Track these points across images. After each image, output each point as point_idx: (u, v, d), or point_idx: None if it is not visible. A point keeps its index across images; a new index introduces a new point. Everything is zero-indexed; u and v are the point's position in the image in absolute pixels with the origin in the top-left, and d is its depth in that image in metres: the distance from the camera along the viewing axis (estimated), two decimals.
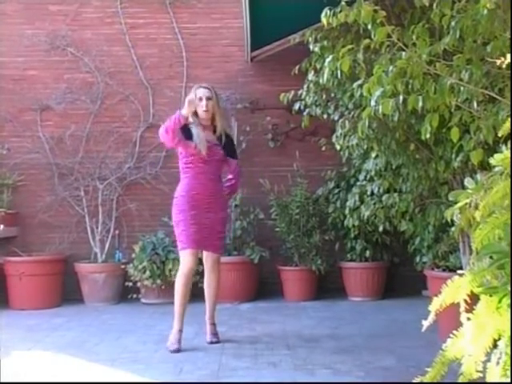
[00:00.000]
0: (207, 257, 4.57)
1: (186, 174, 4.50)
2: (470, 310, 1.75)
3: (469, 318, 1.71)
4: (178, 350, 4.29)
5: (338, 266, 6.44)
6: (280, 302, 6.20)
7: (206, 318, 4.65)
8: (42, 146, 6.70)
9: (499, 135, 2.39)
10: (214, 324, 4.65)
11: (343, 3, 3.49)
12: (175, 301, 4.47)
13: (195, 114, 4.49)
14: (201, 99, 4.50)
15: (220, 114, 4.61)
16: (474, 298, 1.78)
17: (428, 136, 3.44)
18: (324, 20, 3.54)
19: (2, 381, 3.57)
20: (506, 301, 1.71)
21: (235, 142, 5.06)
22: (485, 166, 3.08)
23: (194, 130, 4.44)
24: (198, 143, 4.40)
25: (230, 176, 4.71)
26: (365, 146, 4.35)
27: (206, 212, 4.45)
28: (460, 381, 1.67)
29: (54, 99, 6.71)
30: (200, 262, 4.68)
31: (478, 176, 2.65)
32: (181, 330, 4.43)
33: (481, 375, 1.66)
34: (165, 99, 6.80)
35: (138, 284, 6.22)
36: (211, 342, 4.51)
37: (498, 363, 1.66)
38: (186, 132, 4.41)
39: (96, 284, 6.30)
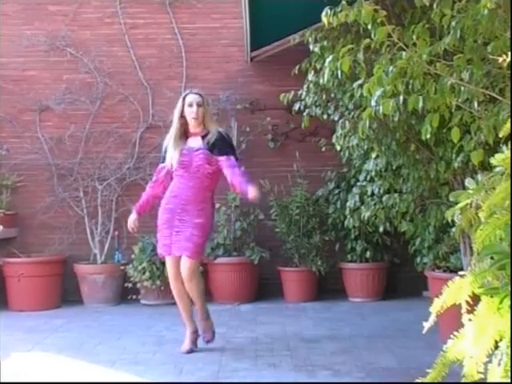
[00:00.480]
0: (182, 263, 4.30)
1: (173, 180, 4.46)
2: (471, 311, 1.74)
3: (470, 319, 1.70)
4: (191, 351, 4.28)
5: (338, 267, 6.43)
6: (280, 302, 6.18)
7: (198, 319, 4.47)
8: (42, 147, 6.69)
9: (500, 135, 2.38)
10: (206, 320, 4.47)
11: (343, 3, 3.48)
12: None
13: (184, 120, 4.44)
14: (191, 105, 4.42)
15: (210, 120, 4.52)
16: (475, 299, 1.77)
17: (428, 136, 3.43)
18: (324, 19, 3.53)
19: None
20: (507, 302, 1.70)
21: (234, 143, 4.94)
22: (485, 167, 3.07)
23: (169, 149, 4.43)
24: (170, 162, 4.40)
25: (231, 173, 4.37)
26: (365, 147, 4.35)
27: (179, 213, 4.34)
28: (462, 382, 1.66)
29: (54, 100, 6.70)
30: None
31: (479, 176, 2.64)
32: (194, 332, 4.39)
33: (482, 376, 1.65)
34: (164, 99, 6.78)
35: (138, 285, 6.20)
36: (207, 341, 4.41)
37: (499, 364, 1.65)
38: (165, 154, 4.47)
39: (95, 285, 6.28)
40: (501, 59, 2.25)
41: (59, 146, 6.72)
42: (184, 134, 4.46)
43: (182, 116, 4.45)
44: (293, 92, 4.98)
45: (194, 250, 4.31)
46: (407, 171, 4.48)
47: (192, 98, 4.45)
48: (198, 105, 4.42)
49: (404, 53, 3.29)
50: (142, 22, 6.84)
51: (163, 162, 4.49)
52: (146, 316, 5.67)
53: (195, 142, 4.44)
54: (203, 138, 4.43)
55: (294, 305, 6.10)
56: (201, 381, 3.58)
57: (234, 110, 6.69)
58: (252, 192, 4.18)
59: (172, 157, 4.39)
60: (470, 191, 2.23)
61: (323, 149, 6.13)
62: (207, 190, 4.44)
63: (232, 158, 4.41)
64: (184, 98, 4.47)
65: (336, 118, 4.69)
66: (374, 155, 4.64)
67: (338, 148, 4.55)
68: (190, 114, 4.42)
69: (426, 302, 2.31)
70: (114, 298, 6.35)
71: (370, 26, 3.37)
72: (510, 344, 1.62)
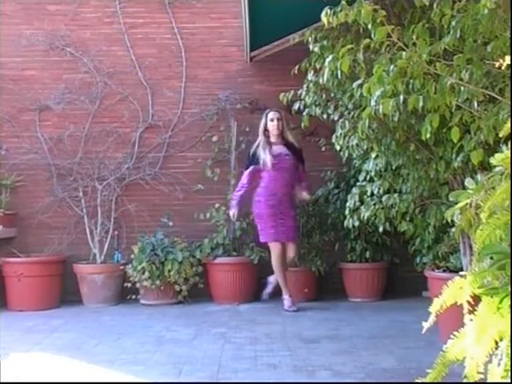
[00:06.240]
0: (290, 247, 5.88)
1: (265, 179, 5.81)
2: (472, 311, 1.73)
3: (471, 320, 1.70)
4: (292, 307, 5.73)
5: (337, 267, 6.42)
6: (279, 302, 6.16)
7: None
8: (41, 147, 6.68)
9: (500, 135, 2.38)
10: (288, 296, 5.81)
11: (343, 2, 3.48)
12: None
13: (267, 132, 5.83)
14: (272, 120, 5.81)
15: (289, 130, 5.86)
16: (475, 299, 1.77)
17: (428, 136, 3.43)
18: (324, 19, 3.52)
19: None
20: (507, 302, 1.70)
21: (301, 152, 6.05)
22: (485, 166, 3.07)
23: (261, 152, 5.78)
24: (265, 162, 5.75)
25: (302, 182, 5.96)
26: (365, 147, 4.34)
27: (279, 207, 5.75)
28: (463, 382, 1.66)
29: (53, 99, 6.69)
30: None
31: (479, 176, 2.64)
32: (290, 296, 5.81)
33: (482, 376, 1.65)
34: (164, 99, 6.78)
35: (137, 285, 6.19)
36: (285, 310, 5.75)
37: (499, 364, 1.65)
38: (255, 158, 5.82)
39: (95, 285, 6.27)
40: (497, 64, 2.24)
41: (58, 146, 6.72)
42: (268, 142, 5.83)
43: (266, 129, 5.84)
44: (292, 92, 4.98)
45: (296, 236, 5.93)
46: (407, 171, 4.48)
47: (273, 114, 5.84)
48: (278, 119, 5.81)
49: (404, 53, 3.29)
50: (142, 21, 6.83)
51: (249, 165, 5.87)
52: (146, 316, 5.66)
53: (281, 149, 5.83)
54: (285, 145, 5.83)
55: None
56: (200, 381, 3.58)
57: (234, 110, 6.69)
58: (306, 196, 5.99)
59: (265, 160, 5.75)
60: (470, 191, 2.23)
61: (323, 148, 6.13)
62: (292, 186, 5.89)
63: (305, 168, 5.99)
64: (267, 115, 5.86)
65: (336, 118, 4.68)
66: (373, 155, 4.63)
67: (338, 148, 4.55)
68: (273, 127, 5.82)
69: (425, 302, 2.31)
70: (113, 297, 6.33)
71: (369, 26, 3.37)
72: (510, 344, 1.62)
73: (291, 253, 5.86)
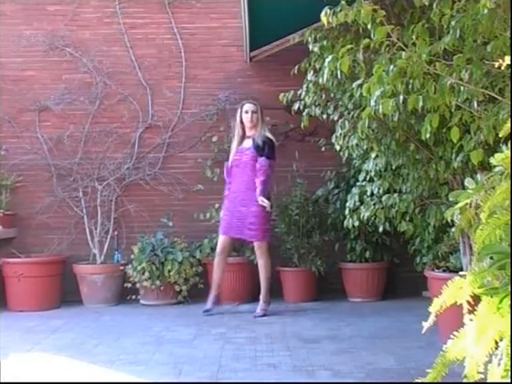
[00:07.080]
0: (255, 246, 5.64)
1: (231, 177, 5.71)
2: (472, 311, 1.73)
3: (471, 320, 1.70)
4: (210, 310, 5.57)
5: (337, 267, 6.42)
6: (279, 302, 6.17)
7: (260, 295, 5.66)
8: (41, 147, 6.68)
9: (500, 135, 2.38)
10: (264, 302, 5.61)
11: (343, 2, 3.48)
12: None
13: (242, 124, 5.65)
14: (247, 112, 5.63)
15: (261, 124, 5.63)
16: (476, 299, 1.77)
17: (428, 136, 3.43)
18: (324, 19, 3.53)
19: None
20: (507, 302, 1.70)
21: (268, 145, 5.69)
22: (485, 166, 3.07)
23: (231, 149, 5.74)
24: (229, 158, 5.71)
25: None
26: (364, 147, 4.34)
27: (238, 203, 5.56)
28: (463, 382, 1.66)
29: (53, 100, 6.69)
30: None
31: (479, 176, 2.64)
32: (215, 296, 5.70)
33: (482, 376, 1.65)
34: (164, 99, 6.78)
35: (137, 285, 6.19)
36: (254, 316, 5.48)
37: (499, 364, 1.65)
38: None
39: (95, 285, 6.27)
40: (497, 64, 2.24)
41: (58, 146, 6.72)
42: (242, 136, 5.66)
43: (242, 122, 5.65)
44: (292, 92, 4.98)
45: (258, 234, 5.55)
46: (407, 171, 4.48)
47: (248, 106, 5.66)
48: (253, 112, 5.62)
49: (403, 52, 3.29)
50: (141, 21, 6.83)
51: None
52: (146, 316, 5.67)
53: (247, 143, 5.63)
54: (254, 139, 5.58)
55: (293, 305, 6.10)
56: (200, 381, 3.58)
57: (234, 110, 6.67)
58: (261, 201, 5.47)
59: (230, 156, 5.69)
60: (470, 191, 2.23)
61: (323, 149, 6.12)
62: (254, 180, 5.52)
63: (263, 160, 5.52)
64: (242, 107, 5.67)
65: (335, 118, 4.68)
66: (373, 155, 4.63)
67: (338, 148, 4.55)
68: (246, 119, 5.63)
69: (425, 302, 2.31)
70: (113, 298, 6.33)
71: (369, 26, 3.37)
72: (510, 344, 1.62)
73: (258, 256, 5.67)
